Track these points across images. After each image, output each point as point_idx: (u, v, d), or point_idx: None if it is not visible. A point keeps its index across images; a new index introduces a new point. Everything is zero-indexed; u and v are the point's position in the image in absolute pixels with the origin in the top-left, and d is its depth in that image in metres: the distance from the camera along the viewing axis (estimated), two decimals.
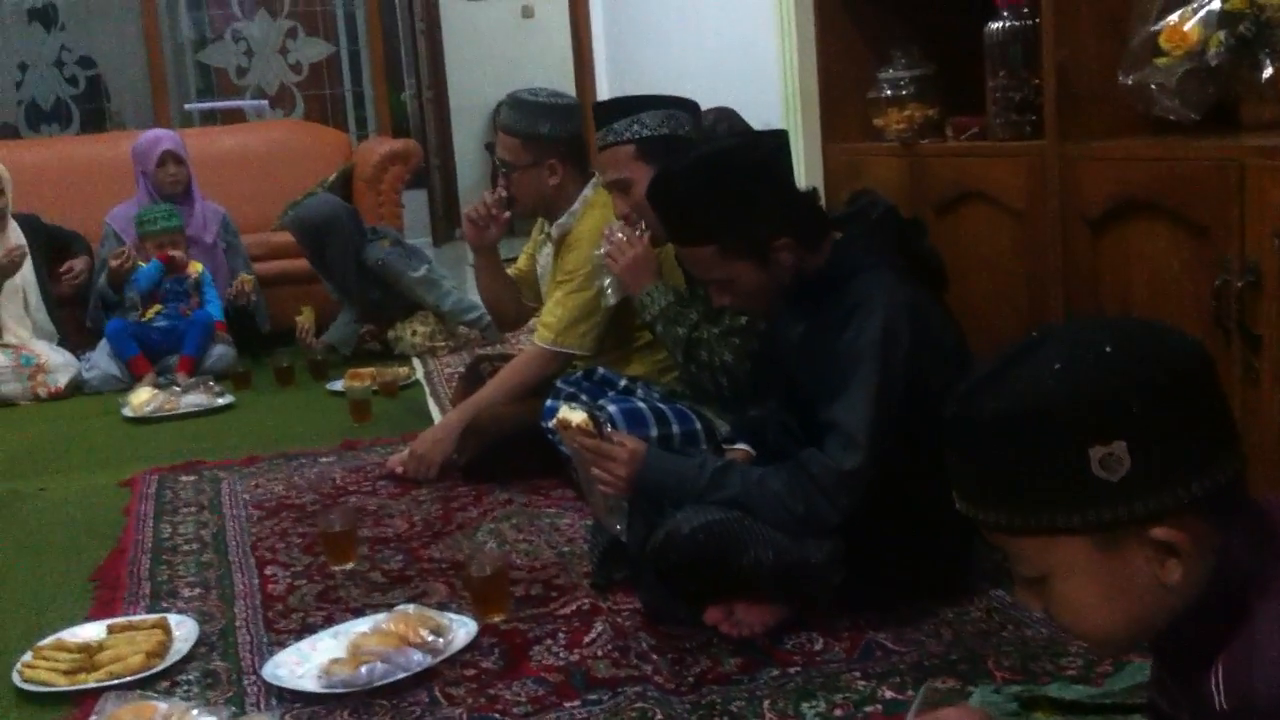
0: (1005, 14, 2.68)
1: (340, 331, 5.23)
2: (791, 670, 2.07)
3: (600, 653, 2.19)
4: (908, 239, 2.30)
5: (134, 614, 2.54)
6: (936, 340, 2.19)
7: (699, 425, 2.83)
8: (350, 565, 2.73)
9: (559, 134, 3.25)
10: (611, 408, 2.77)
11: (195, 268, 5.13)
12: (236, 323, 5.21)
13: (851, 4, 3.39)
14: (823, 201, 2.57)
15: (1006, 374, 1.23)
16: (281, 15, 7.59)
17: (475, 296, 4.32)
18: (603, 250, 2.95)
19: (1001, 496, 1.22)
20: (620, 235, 2.90)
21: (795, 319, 2.31)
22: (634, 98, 2.92)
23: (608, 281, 3.03)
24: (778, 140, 2.32)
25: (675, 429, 2.81)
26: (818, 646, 2.14)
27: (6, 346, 4.93)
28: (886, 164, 3.18)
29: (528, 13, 9.47)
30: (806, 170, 3.62)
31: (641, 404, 2.85)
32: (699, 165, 2.24)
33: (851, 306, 2.16)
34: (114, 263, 5.03)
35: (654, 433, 2.76)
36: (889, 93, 3.18)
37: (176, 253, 5.05)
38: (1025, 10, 2.64)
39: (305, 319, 5.16)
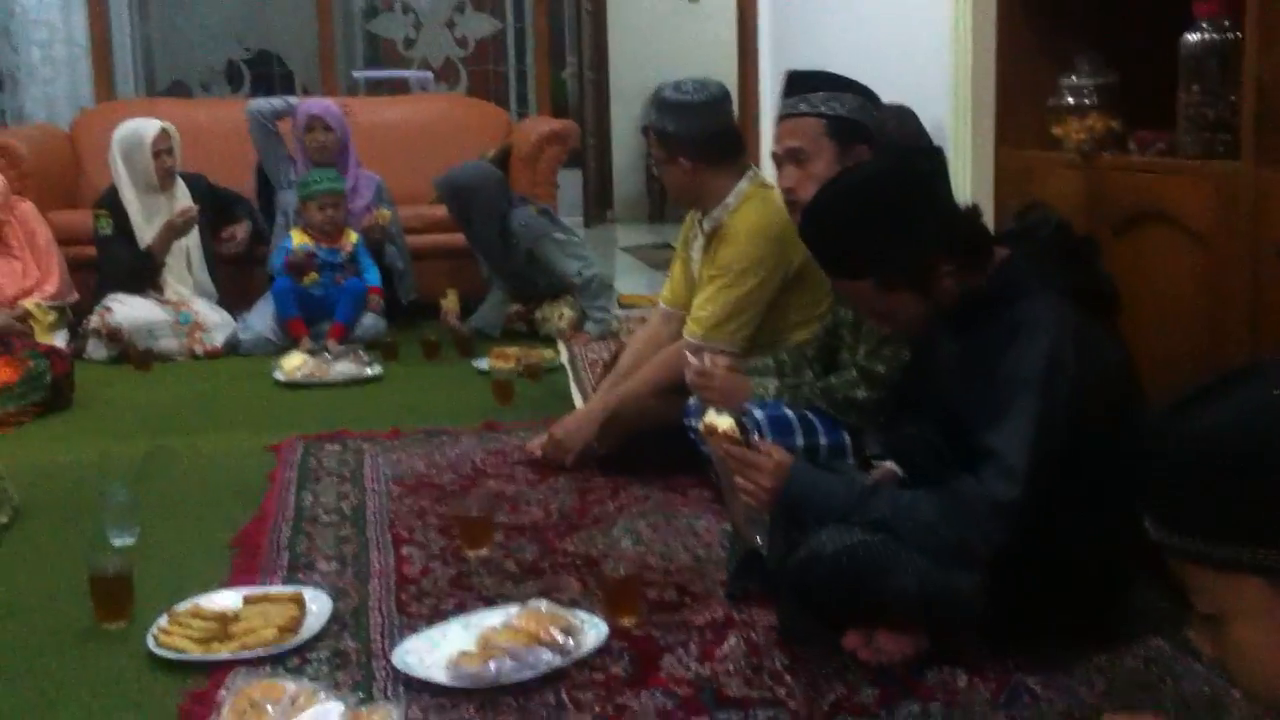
0: (1204, 25, 2.53)
1: (488, 314, 5.24)
2: (933, 707, 1.98)
3: (732, 669, 2.13)
4: (1079, 259, 2.18)
5: (271, 583, 2.57)
6: (1103, 371, 2.06)
7: (847, 438, 2.74)
8: (485, 552, 2.71)
9: (684, 133, 3.18)
10: (758, 413, 2.70)
11: (350, 238, 5.19)
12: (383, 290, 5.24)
13: (1034, 7, 3.24)
14: (989, 215, 2.44)
15: (1228, 390, 1.14)
16: None
17: (615, 283, 4.21)
18: (695, 396, 2.87)
19: (1195, 519, 1.13)
20: (696, 368, 2.79)
21: (949, 336, 2.19)
22: (834, 76, 2.81)
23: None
24: (932, 161, 2.21)
25: (822, 440, 2.73)
26: (961, 684, 2.04)
27: (167, 303, 5.06)
28: (1062, 175, 3.03)
29: None
30: (975, 176, 3.49)
31: (789, 411, 2.77)
32: (849, 195, 2.14)
33: (1014, 328, 2.04)
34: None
35: (800, 442, 2.68)
36: (1070, 100, 3.03)
37: (321, 243, 5.10)
38: (1226, 23, 2.48)
39: (450, 303, 5.18)
